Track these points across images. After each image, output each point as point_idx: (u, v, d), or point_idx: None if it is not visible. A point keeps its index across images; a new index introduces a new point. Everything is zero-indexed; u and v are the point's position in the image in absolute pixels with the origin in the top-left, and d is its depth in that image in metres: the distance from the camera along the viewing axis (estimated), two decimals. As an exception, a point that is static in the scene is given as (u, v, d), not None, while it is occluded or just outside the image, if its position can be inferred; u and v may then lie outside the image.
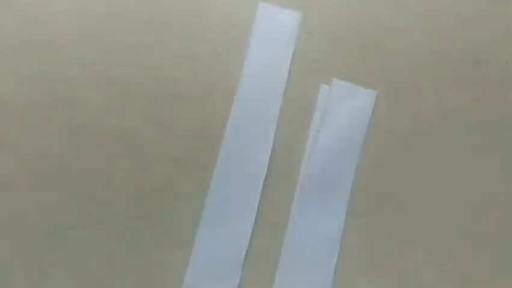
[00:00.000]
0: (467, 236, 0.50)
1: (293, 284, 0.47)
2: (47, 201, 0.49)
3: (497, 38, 0.56)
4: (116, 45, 0.53)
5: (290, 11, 0.54)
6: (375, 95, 0.53)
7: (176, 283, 0.47)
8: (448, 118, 0.53)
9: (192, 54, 0.53)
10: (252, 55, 0.52)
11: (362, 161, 0.51)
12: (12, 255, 0.47)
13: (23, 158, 0.50)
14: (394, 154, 0.52)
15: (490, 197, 0.51)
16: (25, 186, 0.49)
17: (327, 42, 0.55)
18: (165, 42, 0.54)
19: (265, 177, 0.50)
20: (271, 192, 0.50)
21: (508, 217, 0.50)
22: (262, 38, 0.53)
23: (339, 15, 0.56)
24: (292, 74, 0.54)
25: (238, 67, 0.53)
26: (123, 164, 0.50)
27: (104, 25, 0.54)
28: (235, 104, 0.51)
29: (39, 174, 0.49)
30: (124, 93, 0.52)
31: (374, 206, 0.50)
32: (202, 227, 0.48)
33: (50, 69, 0.52)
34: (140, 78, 0.52)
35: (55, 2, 0.54)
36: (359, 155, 0.51)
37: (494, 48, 0.56)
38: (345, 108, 0.52)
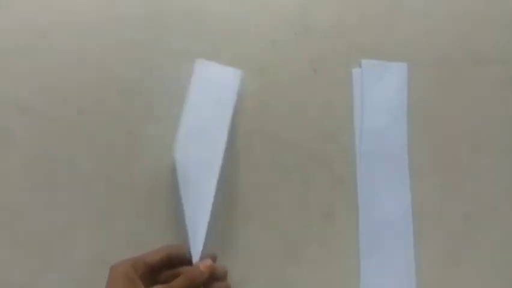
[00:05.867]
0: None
1: (377, 264, 0.48)
2: (48, 201, 0.49)
3: (498, 37, 0.56)
4: (116, 43, 0.53)
5: None
6: (406, 67, 0.54)
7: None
8: (448, 116, 0.53)
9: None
10: None
11: (410, 128, 0.53)
12: (12, 254, 0.47)
13: (23, 158, 0.50)
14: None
15: (488, 195, 0.51)
16: (25, 186, 0.49)
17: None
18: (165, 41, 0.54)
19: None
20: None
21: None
22: None
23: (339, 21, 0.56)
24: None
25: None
26: (123, 163, 0.50)
27: (104, 24, 0.54)
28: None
29: (40, 174, 0.49)
30: (124, 92, 0.52)
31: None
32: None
33: (49, 68, 0.52)
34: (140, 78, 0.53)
35: (54, 2, 0.54)
36: (407, 123, 0.53)
37: (495, 47, 0.56)
38: (381, 85, 0.53)
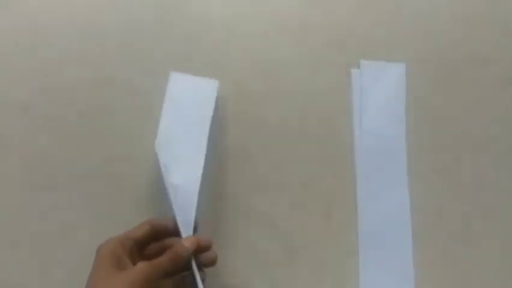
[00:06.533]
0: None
1: (377, 264, 0.48)
2: (48, 201, 0.49)
3: (498, 37, 0.56)
4: (116, 43, 0.53)
5: None
6: (405, 67, 0.54)
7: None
8: (450, 117, 0.54)
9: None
10: None
11: (410, 128, 0.53)
12: (12, 254, 0.47)
13: (23, 158, 0.50)
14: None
15: (488, 195, 0.51)
16: (25, 186, 0.49)
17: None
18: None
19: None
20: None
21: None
22: None
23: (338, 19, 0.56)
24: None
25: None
26: (123, 163, 0.50)
27: (104, 25, 0.54)
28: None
29: (40, 174, 0.49)
30: (124, 92, 0.52)
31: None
32: None
33: (49, 67, 0.52)
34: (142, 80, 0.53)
35: (54, 2, 0.54)
36: (407, 123, 0.53)
37: (497, 47, 0.56)
38: (379, 86, 0.54)
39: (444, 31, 0.56)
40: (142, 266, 0.38)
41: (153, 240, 0.43)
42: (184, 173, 0.44)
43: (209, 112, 0.47)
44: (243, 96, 0.53)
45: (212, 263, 0.43)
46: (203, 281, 0.42)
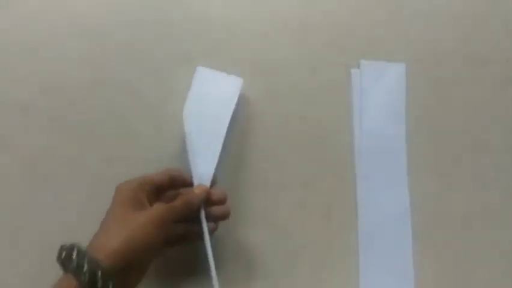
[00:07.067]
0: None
1: (377, 264, 0.49)
2: (48, 201, 0.49)
3: (498, 37, 0.56)
4: (116, 43, 0.53)
5: None
6: (405, 67, 0.54)
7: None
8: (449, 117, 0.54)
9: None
10: None
11: (410, 128, 0.53)
12: (12, 254, 0.47)
13: (24, 157, 0.50)
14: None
15: (488, 195, 0.51)
16: (25, 186, 0.49)
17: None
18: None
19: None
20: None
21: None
22: None
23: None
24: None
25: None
26: (123, 163, 0.50)
27: (104, 25, 0.54)
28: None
29: (40, 174, 0.49)
30: (124, 92, 0.52)
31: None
32: None
33: (49, 67, 0.52)
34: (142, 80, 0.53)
35: (54, 2, 0.54)
36: (407, 123, 0.53)
37: (497, 47, 0.56)
38: (379, 86, 0.54)
39: (445, 31, 0.56)
40: (158, 206, 0.40)
41: (170, 188, 0.44)
42: (206, 138, 0.46)
43: (231, 106, 0.48)
44: (243, 96, 0.53)
45: (224, 216, 0.45)
46: (213, 232, 0.44)
